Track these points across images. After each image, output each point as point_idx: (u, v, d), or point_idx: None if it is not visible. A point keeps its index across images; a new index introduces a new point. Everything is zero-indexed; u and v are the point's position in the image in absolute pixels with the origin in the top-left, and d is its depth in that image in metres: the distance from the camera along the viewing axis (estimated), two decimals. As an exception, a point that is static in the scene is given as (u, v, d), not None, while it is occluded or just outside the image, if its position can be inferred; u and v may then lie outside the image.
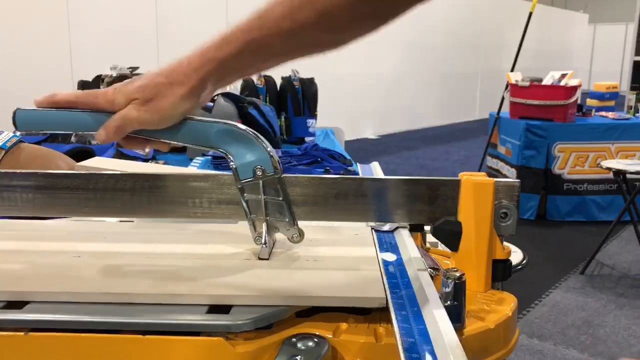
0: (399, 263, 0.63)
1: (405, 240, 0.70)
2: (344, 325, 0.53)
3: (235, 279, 0.57)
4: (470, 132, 7.83)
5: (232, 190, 0.65)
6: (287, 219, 0.63)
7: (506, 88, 4.06)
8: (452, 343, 0.45)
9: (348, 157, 1.47)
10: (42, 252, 0.64)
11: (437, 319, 0.49)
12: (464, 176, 0.63)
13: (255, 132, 0.63)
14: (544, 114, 3.81)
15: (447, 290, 0.54)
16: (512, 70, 4.13)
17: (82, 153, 1.21)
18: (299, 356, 0.48)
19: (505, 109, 4.15)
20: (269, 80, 1.93)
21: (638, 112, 3.95)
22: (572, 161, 3.81)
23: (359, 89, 6.60)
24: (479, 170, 4.32)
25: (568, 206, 3.83)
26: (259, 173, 0.62)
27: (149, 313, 0.51)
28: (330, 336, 0.52)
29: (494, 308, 0.58)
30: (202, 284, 0.55)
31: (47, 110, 0.62)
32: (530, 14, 4.03)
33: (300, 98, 1.89)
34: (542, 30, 10.03)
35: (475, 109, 9.09)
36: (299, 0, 0.56)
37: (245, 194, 0.63)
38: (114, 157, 1.22)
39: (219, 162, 1.37)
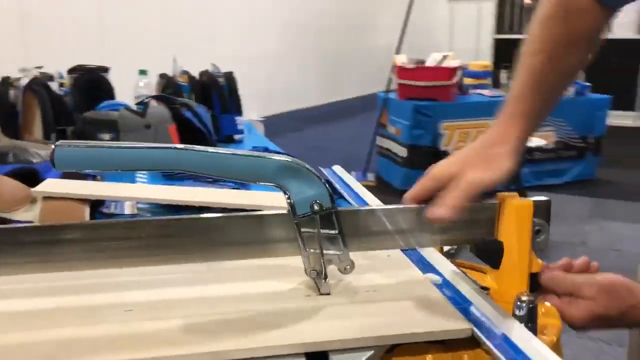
0: (447, 284, 0.67)
1: (435, 256, 0.74)
2: (429, 357, 0.56)
3: (318, 321, 0.57)
4: (350, 110, 8.06)
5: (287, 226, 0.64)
6: (341, 252, 0.64)
7: (392, 69, 4.23)
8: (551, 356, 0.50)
9: (283, 152, 1.47)
10: (78, 310, 0.59)
11: (524, 337, 0.54)
12: (505, 198, 0.67)
13: (310, 167, 0.62)
14: (429, 95, 4.03)
15: (521, 313, 0.58)
16: (397, 52, 4.31)
17: (26, 174, 1.10)
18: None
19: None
20: (192, 77, 1.86)
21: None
22: (456, 138, 4.08)
23: (238, 72, 6.50)
24: (370, 152, 4.48)
25: (454, 180, 4.11)
26: (316, 208, 0.62)
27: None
28: (425, 370, 0.54)
29: (546, 321, 0.63)
30: (289, 331, 0.55)
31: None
32: (413, -7, 4.21)
33: (226, 94, 1.85)
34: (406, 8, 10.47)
35: (352, 87, 9.35)
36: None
37: (302, 229, 0.62)
38: (61, 177, 1.12)
39: (170, 173, 1.30)
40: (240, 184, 1.22)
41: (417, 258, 0.75)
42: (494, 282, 0.68)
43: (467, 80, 4.46)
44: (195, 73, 1.92)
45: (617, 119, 5.52)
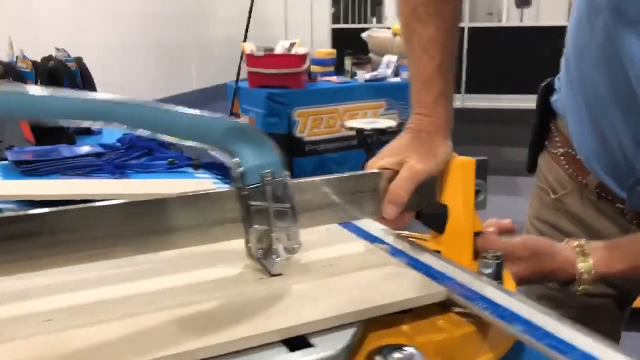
0: (398, 251, 0.64)
1: (374, 226, 0.70)
2: (405, 328, 0.52)
3: (286, 304, 0.50)
4: (197, 102, 7.83)
5: (228, 206, 0.56)
6: (292, 228, 0.57)
7: (241, 58, 4.16)
8: (531, 303, 0.49)
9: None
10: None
11: (500, 293, 0.52)
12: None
13: (262, 130, 0.55)
14: (281, 82, 4.02)
15: (489, 271, 0.56)
16: (244, 40, 4.24)
17: None
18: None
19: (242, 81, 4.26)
20: (36, 63, 1.63)
21: (355, 75, 4.45)
22: (310, 124, 4.13)
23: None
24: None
25: (311, 166, 4.16)
26: (267, 178, 0.55)
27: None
28: (406, 342, 0.50)
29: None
30: (257, 318, 0.47)
31: None
32: (256, -16, 4.16)
33: (79, 82, 1.65)
34: (243, -1, 10.41)
35: (192, 80, 9.07)
36: None
37: (250, 202, 0.55)
38: None
39: (31, 169, 1.11)
40: (120, 174, 1.09)
41: (353, 229, 0.71)
42: (438, 247, 0.66)
43: (314, 68, 4.52)
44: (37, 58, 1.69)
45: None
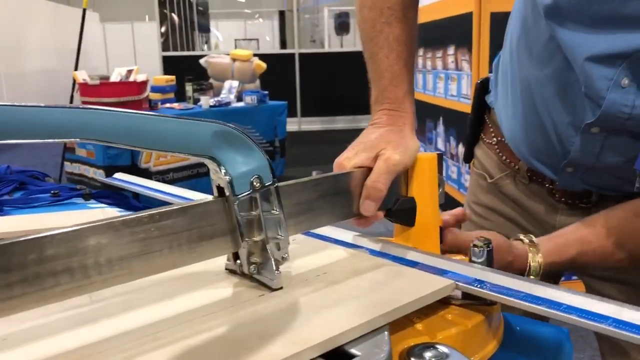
0: (378, 252, 0.62)
1: (336, 232, 0.68)
2: (420, 326, 0.50)
3: (306, 317, 0.46)
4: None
5: (214, 220, 0.49)
6: (282, 237, 0.52)
7: (74, 88, 3.85)
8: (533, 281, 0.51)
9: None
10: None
11: (499, 277, 0.53)
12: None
13: (247, 133, 0.50)
14: (120, 111, 3.79)
15: (481, 259, 0.57)
16: (75, 69, 3.94)
17: None
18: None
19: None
20: None
21: (199, 102, 4.35)
22: (155, 154, 3.93)
23: None
24: (60, 178, 4.00)
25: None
26: (256, 184, 0.50)
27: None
28: (430, 339, 0.48)
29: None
30: (286, 336, 0.42)
31: None
32: (84, 10, 3.90)
33: None
34: (58, 27, 9.71)
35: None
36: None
37: (241, 213, 0.49)
38: None
39: None
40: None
41: (316, 236, 0.67)
42: (407, 243, 0.65)
43: (153, 95, 4.34)
44: None
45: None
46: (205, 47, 8.97)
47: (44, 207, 0.98)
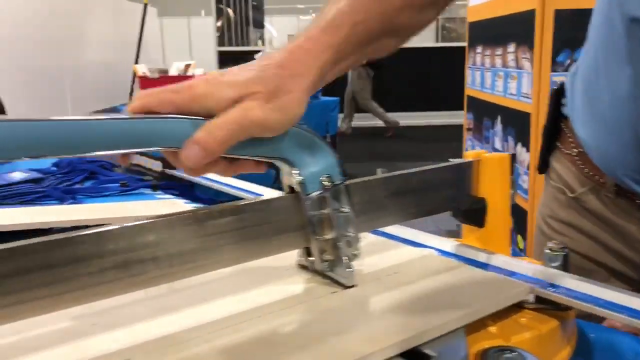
0: (447, 253, 0.62)
1: (405, 231, 0.68)
2: (493, 329, 0.50)
3: (383, 317, 0.46)
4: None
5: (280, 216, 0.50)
6: (352, 234, 0.53)
7: (134, 80, 3.97)
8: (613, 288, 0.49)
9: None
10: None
11: (575, 282, 0.52)
12: (478, 155, 0.64)
13: (317, 134, 0.51)
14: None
15: (557, 264, 0.56)
16: (136, 62, 4.05)
17: None
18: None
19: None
20: None
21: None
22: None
23: None
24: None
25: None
26: (326, 183, 0.50)
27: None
28: (504, 343, 0.48)
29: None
30: (366, 333, 0.43)
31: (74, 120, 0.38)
32: (145, 5, 4.01)
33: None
34: (118, 21, 10.00)
35: (67, 105, 8.52)
36: None
37: (312, 212, 0.50)
38: None
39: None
40: (72, 199, 0.97)
41: (382, 234, 0.67)
42: (477, 244, 0.65)
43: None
44: None
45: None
46: (260, 42, 9.07)
47: (113, 196, 1.02)
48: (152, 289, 0.46)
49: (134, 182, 1.06)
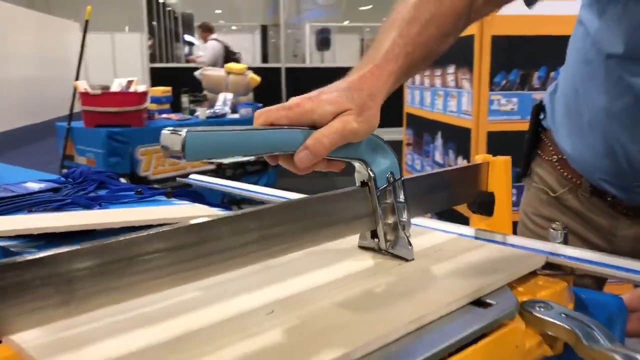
0: (469, 236, 0.76)
1: (425, 221, 0.82)
2: (521, 289, 0.64)
3: (450, 277, 0.59)
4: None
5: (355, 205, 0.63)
6: (406, 219, 0.66)
7: (74, 97, 3.92)
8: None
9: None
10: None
11: (578, 250, 0.67)
12: (487, 158, 0.80)
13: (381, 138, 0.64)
14: (121, 121, 3.88)
15: (559, 240, 0.71)
16: (77, 79, 4.00)
17: None
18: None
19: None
20: None
21: (195, 113, 4.46)
22: (154, 162, 4.02)
23: None
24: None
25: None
26: (390, 179, 0.64)
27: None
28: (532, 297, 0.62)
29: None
30: (444, 289, 0.56)
31: (222, 131, 0.49)
32: (87, 21, 3.98)
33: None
34: (42, 36, 9.70)
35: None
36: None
37: (381, 201, 0.63)
38: None
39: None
40: (98, 206, 1.04)
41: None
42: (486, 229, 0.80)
43: (150, 106, 4.43)
44: None
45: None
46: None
47: (131, 203, 1.09)
48: (252, 266, 0.57)
49: (147, 191, 1.14)
